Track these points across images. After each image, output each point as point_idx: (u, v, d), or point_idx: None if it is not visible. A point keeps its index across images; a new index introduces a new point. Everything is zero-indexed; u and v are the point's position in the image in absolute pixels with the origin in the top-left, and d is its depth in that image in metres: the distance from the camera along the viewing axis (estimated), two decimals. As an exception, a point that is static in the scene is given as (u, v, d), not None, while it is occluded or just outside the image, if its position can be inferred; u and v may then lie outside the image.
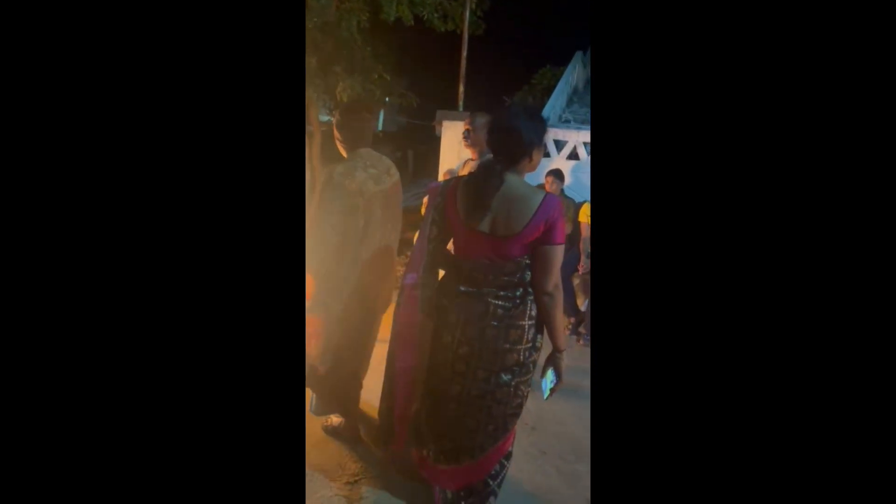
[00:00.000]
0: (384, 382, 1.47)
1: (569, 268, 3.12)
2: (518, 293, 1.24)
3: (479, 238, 1.22)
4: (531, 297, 1.25)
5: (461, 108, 4.93)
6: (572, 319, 3.15)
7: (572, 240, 3.29)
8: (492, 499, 1.38)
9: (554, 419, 2.06)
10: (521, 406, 1.33)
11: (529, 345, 1.27)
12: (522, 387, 1.30)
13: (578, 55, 7.62)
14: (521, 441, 1.87)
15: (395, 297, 1.53)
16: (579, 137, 3.61)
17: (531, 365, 1.30)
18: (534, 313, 1.26)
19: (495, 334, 1.24)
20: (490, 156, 1.28)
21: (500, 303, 1.24)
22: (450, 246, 1.39)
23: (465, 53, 4.98)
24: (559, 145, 3.67)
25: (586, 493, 1.59)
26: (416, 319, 1.36)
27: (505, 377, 1.26)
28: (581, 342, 3.01)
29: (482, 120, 2.20)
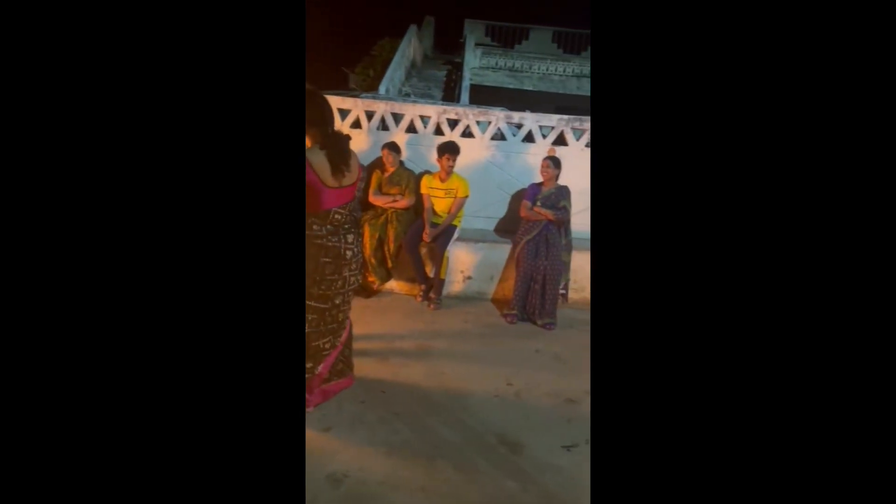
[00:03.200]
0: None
1: (416, 238, 3.25)
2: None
3: (344, 192, 1.78)
4: None
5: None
6: (423, 287, 3.30)
7: (417, 211, 3.42)
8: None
9: (406, 382, 2.17)
10: None
11: None
12: None
13: (412, 29, 7.71)
14: (376, 408, 1.93)
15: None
16: (415, 111, 3.70)
17: None
18: None
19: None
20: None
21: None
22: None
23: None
24: (397, 119, 3.71)
25: (435, 442, 1.73)
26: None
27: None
28: (432, 307, 3.19)
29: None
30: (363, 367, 2.20)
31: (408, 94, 6.22)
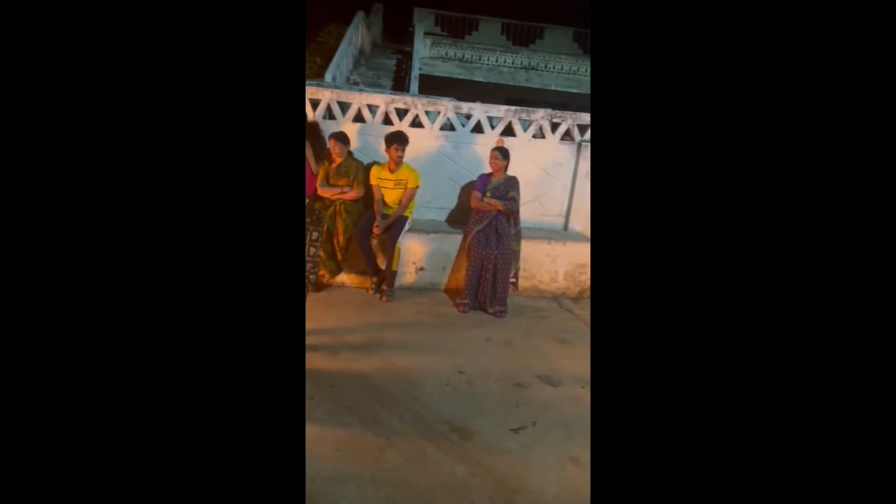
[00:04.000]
0: None
1: (366, 229, 3.20)
2: None
3: (314, 180, 1.96)
4: None
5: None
6: (374, 279, 3.27)
7: (366, 202, 3.36)
8: None
9: (356, 375, 2.15)
10: None
11: None
12: None
13: (360, 16, 7.51)
14: (325, 403, 1.90)
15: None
16: (362, 100, 3.62)
17: None
18: None
19: None
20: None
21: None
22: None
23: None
24: (344, 108, 3.61)
25: (385, 434, 1.73)
26: None
27: None
28: (384, 299, 3.16)
29: None
30: (312, 362, 2.15)
31: (356, 83, 6.08)
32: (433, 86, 7.98)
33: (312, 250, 1.88)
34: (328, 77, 5.38)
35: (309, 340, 2.29)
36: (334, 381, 2.08)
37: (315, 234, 1.88)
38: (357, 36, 7.34)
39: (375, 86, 6.71)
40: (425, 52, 8.87)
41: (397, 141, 3.18)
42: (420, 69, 7.87)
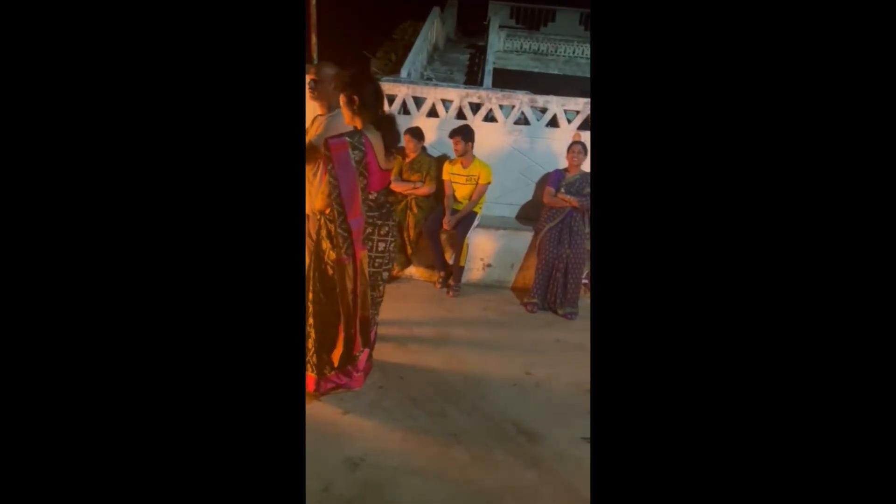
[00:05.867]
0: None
1: (436, 224, 3.21)
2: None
3: (387, 174, 1.83)
4: None
5: (315, 61, 4.59)
6: (442, 273, 3.28)
7: (437, 197, 3.38)
8: None
9: (424, 368, 2.16)
10: None
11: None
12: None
13: (435, 11, 7.56)
14: (393, 394, 1.93)
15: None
16: (438, 95, 3.63)
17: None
18: None
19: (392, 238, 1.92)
20: (341, 110, 1.78)
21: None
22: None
23: (314, 0, 4.58)
24: (419, 102, 3.65)
25: (452, 430, 1.72)
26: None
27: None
28: (451, 294, 3.17)
29: (329, 71, 2.07)
30: (382, 353, 2.20)
31: (430, 79, 6.14)
32: (507, 80, 7.85)
33: (382, 245, 1.83)
34: (403, 73, 5.49)
35: (378, 330, 2.35)
36: (402, 372, 2.11)
37: (385, 229, 1.85)
38: (432, 32, 7.41)
39: (448, 80, 6.74)
40: (500, 46, 8.75)
41: (458, 134, 3.14)
42: (494, 63, 7.77)
